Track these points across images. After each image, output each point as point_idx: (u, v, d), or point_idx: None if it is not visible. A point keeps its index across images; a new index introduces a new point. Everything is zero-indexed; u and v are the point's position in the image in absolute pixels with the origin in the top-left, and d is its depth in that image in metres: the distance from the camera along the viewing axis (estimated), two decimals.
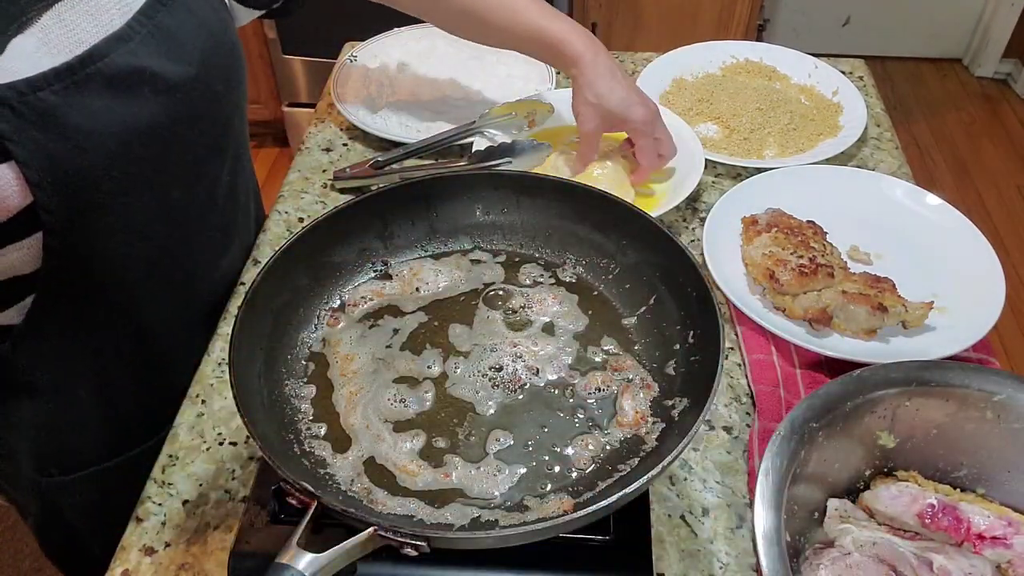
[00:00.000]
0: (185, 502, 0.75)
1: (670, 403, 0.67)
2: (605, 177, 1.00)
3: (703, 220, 1.00)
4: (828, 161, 1.09)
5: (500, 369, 0.70)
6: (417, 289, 0.77)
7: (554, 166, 1.04)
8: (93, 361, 0.81)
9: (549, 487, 0.63)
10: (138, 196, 0.72)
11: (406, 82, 1.24)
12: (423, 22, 1.34)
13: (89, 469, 0.88)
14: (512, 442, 0.65)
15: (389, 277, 0.78)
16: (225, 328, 0.90)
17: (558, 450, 0.65)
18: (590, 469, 0.64)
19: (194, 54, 0.73)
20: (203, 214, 0.84)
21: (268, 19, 0.94)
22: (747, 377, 0.84)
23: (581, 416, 0.67)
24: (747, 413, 0.83)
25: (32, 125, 0.61)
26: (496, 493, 0.62)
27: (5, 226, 0.63)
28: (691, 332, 0.69)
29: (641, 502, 0.66)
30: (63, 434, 0.85)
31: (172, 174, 0.76)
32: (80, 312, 0.75)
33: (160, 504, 0.75)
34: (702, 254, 0.94)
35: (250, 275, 0.96)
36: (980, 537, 0.66)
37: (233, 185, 0.88)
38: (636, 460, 0.64)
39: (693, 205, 1.06)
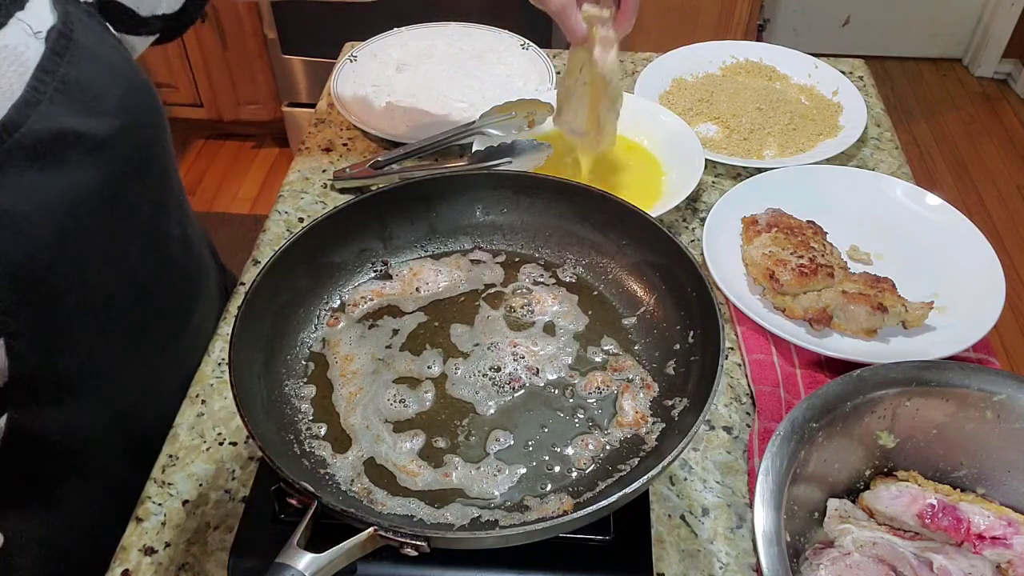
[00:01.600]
0: (185, 502, 0.75)
1: (670, 403, 0.67)
2: (592, 88, 0.94)
3: (703, 220, 1.00)
4: (828, 161, 1.09)
5: (500, 369, 0.70)
6: (417, 289, 0.77)
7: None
8: (83, 453, 0.76)
9: (549, 487, 0.63)
10: (95, 270, 0.67)
11: (406, 82, 1.24)
12: (423, 22, 1.35)
13: None
14: (512, 442, 0.65)
15: (389, 277, 0.78)
16: (225, 328, 0.90)
17: (558, 450, 0.65)
18: (590, 469, 0.64)
19: (111, 103, 0.66)
20: (162, 274, 0.80)
21: (159, 44, 0.85)
22: (747, 377, 0.84)
23: (581, 416, 0.67)
24: (747, 413, 0.83)
25: None
26: (496, 493, 0.62)
27: None
28: (691, 332, 0.69)
29: (641, 502, 0.66)
30: (67, 551, 0.78)
31: (124, 239, 0.71)
32: (60, 413, 0.70)
33: (160, 504, 0.75)
34: (702, 254, 0.94)
35: (250, 275, 0.96)
36: (980, 537, 0.66)
37: (185, 237, 0.84)
38: (636, 460, 0.64)
39: (693, 205, 1.06)
